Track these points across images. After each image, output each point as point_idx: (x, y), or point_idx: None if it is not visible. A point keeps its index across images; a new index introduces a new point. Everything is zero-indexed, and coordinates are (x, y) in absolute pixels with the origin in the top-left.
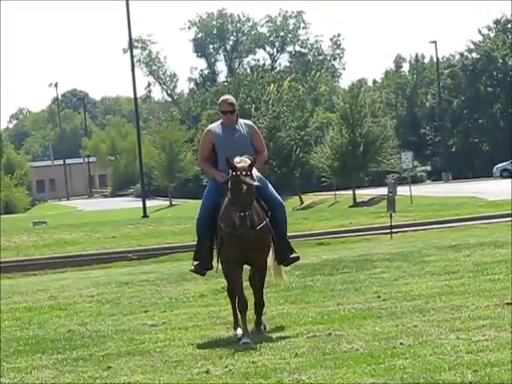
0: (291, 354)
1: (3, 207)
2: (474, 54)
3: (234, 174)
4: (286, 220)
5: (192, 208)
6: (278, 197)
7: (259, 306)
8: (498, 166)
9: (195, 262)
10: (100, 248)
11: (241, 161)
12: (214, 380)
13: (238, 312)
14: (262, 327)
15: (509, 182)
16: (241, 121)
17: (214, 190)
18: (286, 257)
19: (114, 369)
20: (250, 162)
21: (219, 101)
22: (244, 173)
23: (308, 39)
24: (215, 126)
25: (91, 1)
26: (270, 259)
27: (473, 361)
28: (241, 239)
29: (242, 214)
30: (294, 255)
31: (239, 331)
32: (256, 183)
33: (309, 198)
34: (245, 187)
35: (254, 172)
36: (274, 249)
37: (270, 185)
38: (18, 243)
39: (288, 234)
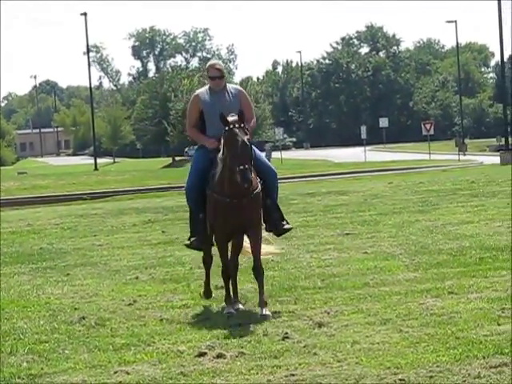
0: (198, 266)
1: None
2: (327, 61)
3: (226, 128)
4: (277, 188)
5: (129, 164)
6: (270, 164)
7: (259, 273)
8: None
9: (192, 238)
10: (64, 191)
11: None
12: (141, 284)
13: (223, 279)
14: (267, 311)
15: (350, 150)
16: (229, 86)
17: (203, 159)
18: (278, 226)
19: (71, 275)
20: (238, 115)
21: (206, 66)
22: (237, 125)
23: (212, 47)
24: (203, 92)
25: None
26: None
27: (322, 272)
28: (236, 207)
29: (242, 166)
30: (287, 226)
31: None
32: (247, 137)
33: None
34: (240, 139)
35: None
36: (265, 218)
37: (259, 153)
38: (7, 187)
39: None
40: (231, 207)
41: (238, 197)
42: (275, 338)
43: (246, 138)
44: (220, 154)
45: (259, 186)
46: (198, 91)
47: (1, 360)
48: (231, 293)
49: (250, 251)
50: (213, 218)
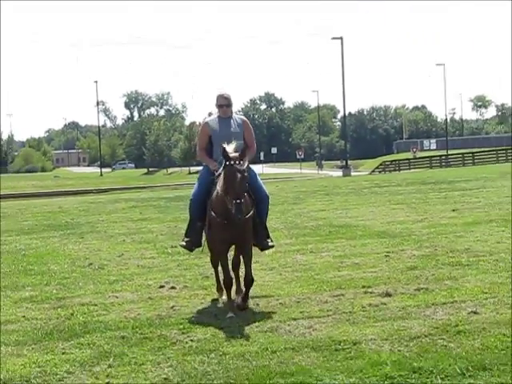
0: (161, 234)
1: (40, 169)
2: (241, 113)
3: (227, 163)
4: (267, 211)
5: (121, 173)
6: (265, 189)
7: (248, 284)
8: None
9: (186, 239)
10: (81, 187)
11: (233, 150)
12: (126, 244)
13: (224, 288)
14: (247, 303)
15: (253, 167)
16: (235, 115)
17: (206, 177)
18: (263, 243)
19: (84, 238)
20: (240, 151)
21: (216, 96)
22: (237, 162)
23: (172, 104)
24: (212, 120)
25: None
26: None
27: None
28: (230, 226)
29: (238, 201)
30: (270, 243)
31: (224, 297)
32: (246, 174)
33: (174, 170)
34: (239, 175)
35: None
36: (253, 233)
37: (258, 177)
38: (46, 185)
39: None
40: (225, 226)
41: (231, 218)
42: (208, 279)
43: (243, 176)
44: (220, 179)
45: (252, 209)
46: (207, 119)
47: (39, 288)
48: (232, 297)
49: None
50: (209, 231)
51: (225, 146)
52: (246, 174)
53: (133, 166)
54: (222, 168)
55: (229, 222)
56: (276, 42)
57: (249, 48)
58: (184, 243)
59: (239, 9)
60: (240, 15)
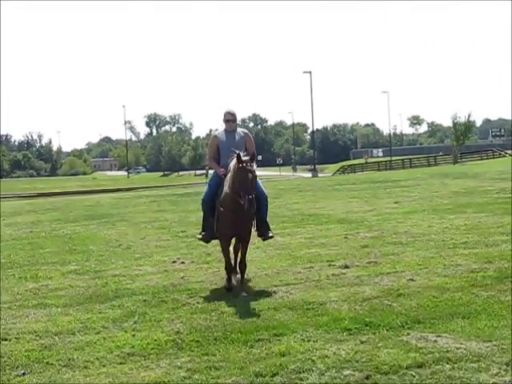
0: (173, 221)
1: (82, 173)
2: None
3: (240, 165)
4: (267, 207)
5: (142, 176)
6: (264, 190)
7: (244, 266)
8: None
9: (202, 233)
10: (113, 186)
11: (244, 155)
12: (147, 229)
13: (226, 272)
14: (245, 286)
15: None
16: (239, 129)
17: (215, 180)
18: (264, 234)
19: (115, 225)
20: (250, 156)
21: (224, 112)
22: (249, 164)
23: (182, 122)
24: (220, 133)
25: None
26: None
27: None
28: (236, 218)
29: (250, 196)
30: (270, 234)
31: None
32: (256, 173)
33: (183, 173)
34: (250, 175)
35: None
36: (257, 227)
37: (258, 181)
38: (87, 185)
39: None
40: (232, 219)
41: (237, 212)
42: (210, 256)
43: (253, 175)
44: (226, 178)
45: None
46: (216, 132)
47: (81, 263)
48: (232, 279)
49: (240, 251)
50: (218, 224)
51: (238, 152)
52: (255, 174)
53: (144, 170)
54: (231, 163)
55: (235, 215)
56: (276, 42)
57: (249, 49)
58: (200, 236)
59: (239, 9)
60: (240, 15)
